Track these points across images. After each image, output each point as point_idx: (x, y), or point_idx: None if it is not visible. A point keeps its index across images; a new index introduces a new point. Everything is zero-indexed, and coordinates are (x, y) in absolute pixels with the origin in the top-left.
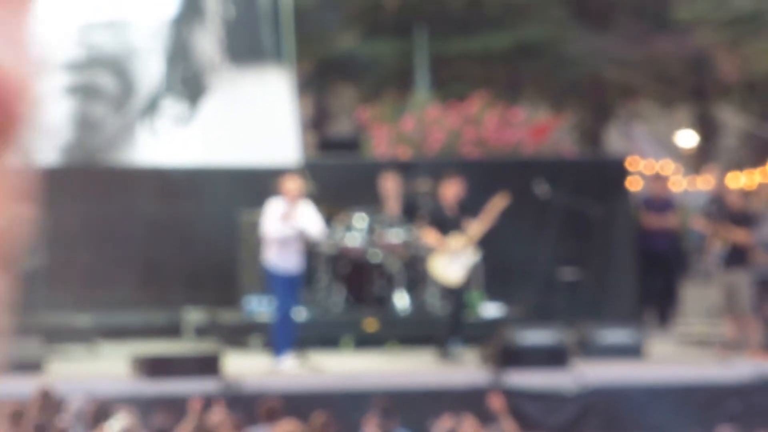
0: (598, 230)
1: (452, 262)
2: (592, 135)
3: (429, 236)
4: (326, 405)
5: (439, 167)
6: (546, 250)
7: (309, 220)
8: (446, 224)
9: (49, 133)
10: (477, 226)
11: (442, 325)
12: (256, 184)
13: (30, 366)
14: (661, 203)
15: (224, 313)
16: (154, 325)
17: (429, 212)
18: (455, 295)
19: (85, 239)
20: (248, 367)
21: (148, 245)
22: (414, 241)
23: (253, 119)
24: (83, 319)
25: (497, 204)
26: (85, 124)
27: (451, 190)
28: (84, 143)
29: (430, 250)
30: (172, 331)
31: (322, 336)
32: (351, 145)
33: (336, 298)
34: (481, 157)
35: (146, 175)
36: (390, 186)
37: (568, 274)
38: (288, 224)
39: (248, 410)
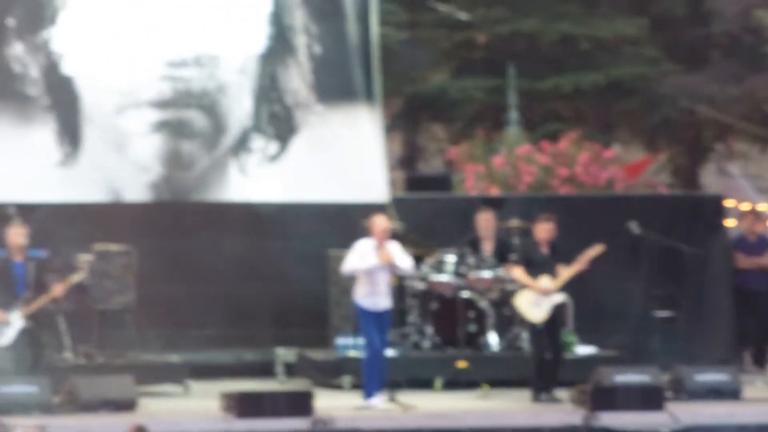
0: (692, 270)
1: (538, 301)
2: (687, 174)
3: (517, 273)
4: None
5: (529, 205)
6: (640, 289)
7: (398, 255)
8: (537, 263)
9: (140, 170)
10: (568, 271)
11: (533, 366)
12: (345, 222)
13: (122, 405)
14: (757, 242)
15: (315, 352)
16: (244, 364)
17: (520, 249)
18: (540, 335)
19: (174, 276)
20: (339, 406)
21: (237, 283)
22: (505, 278)
23: (342, 157)
24: (173, 358)
25: (591, 252)
26: (175, 161)
27: (544, 230)
28: (174, 180)
29: (518, 287)
30: (263, 370)
31: (412, 375)
32: (441, 183)
33: (426, 336)
34: (572, 194)
35: (235, 212)
36: (484, 223)
37: (662, 314)
38: (381, 259)
39: None
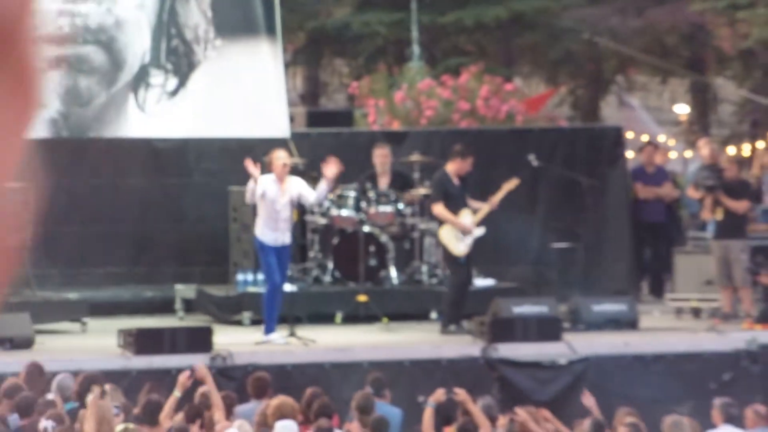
0: (591, 201)
1: (460, 235)
2: (587, 107)
3: (438, 209)
4: (316, 378)
5: (430, 139)
6: (538, 222)
7: (299, 188)
8: (453, 197)
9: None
10: (486, 205)
11: (452, 298)
12: (245, 157)
13: (18, 343)
14: (655, 173)
15: (215, 288)
16: (144, 302)
17: (438, 184)
18: (464, 268)
19: (73, 214)
20: (238, 342)
21: (137, 220)
22: (405, 213)
23: (242, 92)
24: (71, 295)
25: (508, 186)
26: (72, 97)
27: (463, 167)
28: (72, 116)
29: (436, 222)
30: (163, 307)
31: (313, 310)
32: (343, 118)
33: (327, 270)
34: (472, 127)
35: (135, 149)
36: (380, 159)
37: (561, 246)
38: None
39: (238, 384)
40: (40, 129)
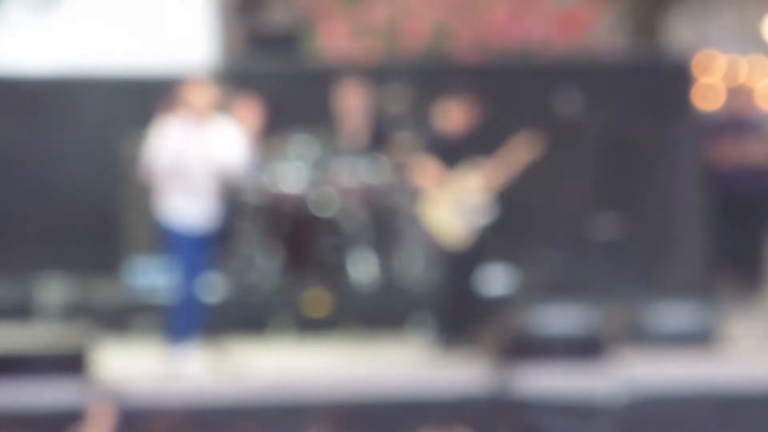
0: (651, 165)
1: (460, 211)
2: (647, 26)
3: (425, 170)
4: (250, 423)
5: (420, 77)
6: (576, 193)
7: (225, 144)
8: (448, 158)
9: None
10: (498, 169)
11: (442, 302)
12: (147, 99)
13: None
14: (744, 125)
15: (96, 283)
16: None
17: (424, 139)
18: (461, 261)
19: None
20: (132, 367)
21: None
22: (385, 180)
23: (144, 3)
24: None
25: (523, 145)
26: None
27: (460, 113)
28: None
29: (421, 192)
30: (21, 310)
31: (246, 318)
32: (290, 40)
33: (267, 266)
34: (482, 61)
35: None
36: (350, 100)
37: (608, 227)
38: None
39: (133, 428)
40: None
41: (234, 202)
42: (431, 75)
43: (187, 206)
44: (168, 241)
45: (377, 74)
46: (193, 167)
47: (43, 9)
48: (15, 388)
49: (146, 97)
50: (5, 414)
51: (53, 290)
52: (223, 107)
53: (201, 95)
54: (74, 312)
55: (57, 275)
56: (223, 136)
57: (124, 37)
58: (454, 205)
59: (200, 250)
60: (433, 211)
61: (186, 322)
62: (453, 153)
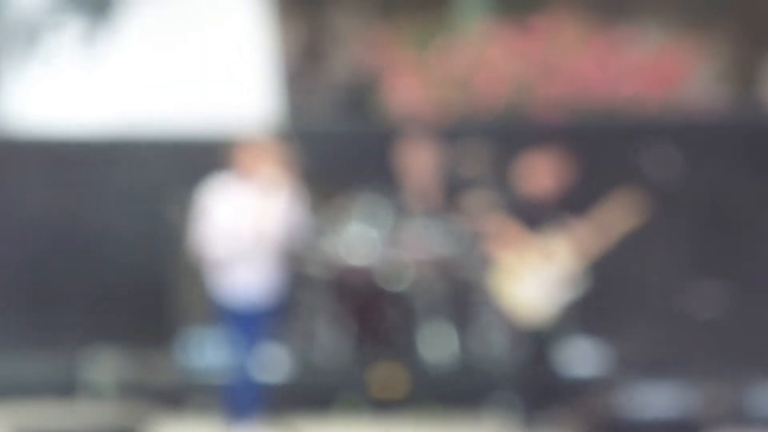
0: (756, 230)
1: (544, 282)
2: (747, 76)
3: (504, 235)
4: None
5: (499, 132)
6: (673, 262)
7: (283, 210)
8: (530, 223)
9: None
10: (592, 235)
11: (524, 382)
12: (200, 161)
13: None
14: None
15: (148, 359)
16: (38, 380)
17: (506, 196)
18: (544, 337)
19: None
20: None
21: (29, 255)
22: (461, 247)
23: (197, 54)
24: None
25: (624, 207)
26: None
27: (544, 174)
28: None
29: (498, 260)
30: (67, 386)
31: (312, 398)
32: (355, 95)
33: (334, 342)
34: (566, 118)
35: (25, 149)
36: (422, 159)
37: (708, 299)
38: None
39: None
40: None
41: (296, 273)
42: (511, 133)
43: (244, 278)
44: (224, 316)
45: (451, 131)
46: (250, 235)
47: (88, 63)
48: None
49: (199, 159)
50: None
51: (102, 366)
52: (282, 169)
53: (259, 157)
54: (124, 389)
55: (106, 350)
56: (281, 201)
57: (177, 94)
58: (537, 275)
59: (259, 325)
60: (512, 283)
61: (245, 401)
62: (535, 217)
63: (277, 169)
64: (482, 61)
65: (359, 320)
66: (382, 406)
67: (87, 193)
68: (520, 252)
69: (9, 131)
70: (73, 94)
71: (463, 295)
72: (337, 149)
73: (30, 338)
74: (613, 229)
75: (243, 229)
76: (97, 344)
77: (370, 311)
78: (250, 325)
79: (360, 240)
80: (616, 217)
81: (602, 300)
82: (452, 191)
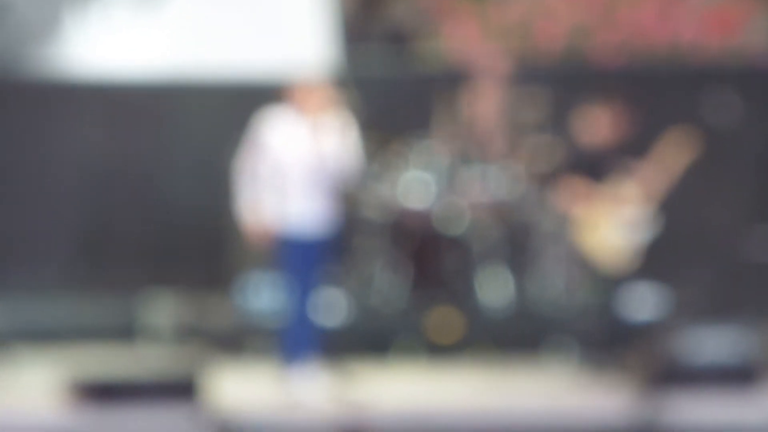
0: None
1: (620, 227)
2: None
3: (573, 189)
4: None
5: (559, 78)
6: (731, 208)
7: (338, 147)
8: (594, 171)
9: None
10: (656, 175)
11: (584, 325)
12: (257, 105)
13: None
14: None
15: (206, 303)
16: (96, 323)
17: (563, 148)
18: (609, 284)
19: None
20: (245, 394)
21: (87, 199)
22: (519, 193)
23: (255, 2)
24: None
25: (678, 144)
26: None
27: (605, 121)
28: None
29: (571, 214)
30: (126, 331)
31: (368, 342)
32: (410, 39)
33: (391, 286)
34: (626, 64)
35: (85, 93)
36: (482, 105)
37: (765, 243)
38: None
39: None
40: None
41: (353, 217)
42: (570, 79)
43: (298, 210)
44: (281, 253)
45: (511, 77)
46: (304, 167)
47: (147, 8)
48: (121, 417)
49: (257, 104)
50: None
51: (160, 310)
52: (338, 109)
53: (314, 97)
54: (182, 334)
55: (164, 294)
56: (336, 138)
57: (232, 38)
58: (612, 222)
59: (313, 260)
60: (591, 233)
61: (302, 345)
62: (599, 165)
63: (332, 108)
64: (541, 7)
65: (416, 264)
66: (439, 350)
67: (145, 138)
68: (584, 199)
69: (69, 76)
70: (131, 38)
71: (520, 240)
72: (394, 95)
73: (88, 282)
74: (673, 167)
75: (296, 160)
76: (155, 288)
77: (427, 255)
78: (304, 258)
79: (417, 185)
80: (674, 154)
81: (661, 245)
82: (512, 137)
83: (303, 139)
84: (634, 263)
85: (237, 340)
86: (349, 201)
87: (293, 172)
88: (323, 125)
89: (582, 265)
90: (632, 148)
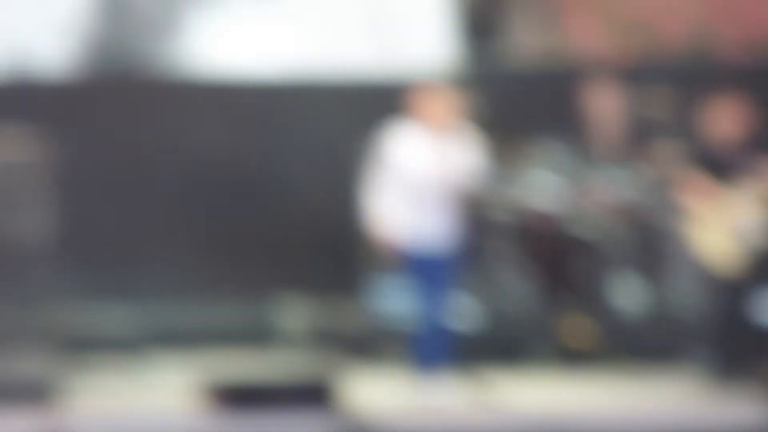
0: None
1: (734, 230)
2: None
3: (692, 184)
4: None
5: (683, 76)
6: None
7: (464, 155)
8: (718, 170)
9: (56, 29)
10: None
11: (716, 332)
12: (379, 104)
13: (31, 392)
14: None
15: (337, 306)
16: (228, 326)
17: (688, 147)
18: (737, 286)
19: (117, 191)
20: (379, 398)
21: (213, 200)
22: (646, 194)
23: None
24: (119, 317)
25: None
26: (107, 14)
27: (731, 119)
28: (105, 38)
29: (687, 210)
30: (257, 333)
31: (501, 348)
32: (532, 35)
33: (521, 291)
34: (751, 60)
35: (207, 91)
36: (605, 103)
37: None
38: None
39: None
40: (61, 57)
41: (481, 220)
42: (695, 76)
43: (425, 224)
44: (408, 264)
45: (634, 74)
46: (431, 181)
47: (269, 6)
48: (255, 420)
49: (379, 103)
50: None
51: (291, 313)
52: (462, 114)
53: (439, 102)
54: (314, 337)
55: (295, 296)
56: (460, 145)
57: (355, 37)
58: (727, 223)
59: (441, 271)
60: (703, 231)
61: (435, 350)
62: (723, 164)
63: (456, 114)
64: (663, 3)
65: (547, 268)
66: (573, 356)
67: (271, 137)
68: (709, 200)
69: (190, 74)
70: (252, 37)
71: (652, 243)
72: (519, 93)
73: (220, 286)
74: None
75: (422, 173)
76: (286, 291)
77: (558, 259)
78: (433, 271)
79: (545, 186)
80: None
81: None
82: (636, 136)
83: (428, 150)
84: (747, 268)
85: (369, 344)
86: (476, 203)
87: (419, 183)
88: (448, 134)
89: (702, 268)
90: (757, 148)
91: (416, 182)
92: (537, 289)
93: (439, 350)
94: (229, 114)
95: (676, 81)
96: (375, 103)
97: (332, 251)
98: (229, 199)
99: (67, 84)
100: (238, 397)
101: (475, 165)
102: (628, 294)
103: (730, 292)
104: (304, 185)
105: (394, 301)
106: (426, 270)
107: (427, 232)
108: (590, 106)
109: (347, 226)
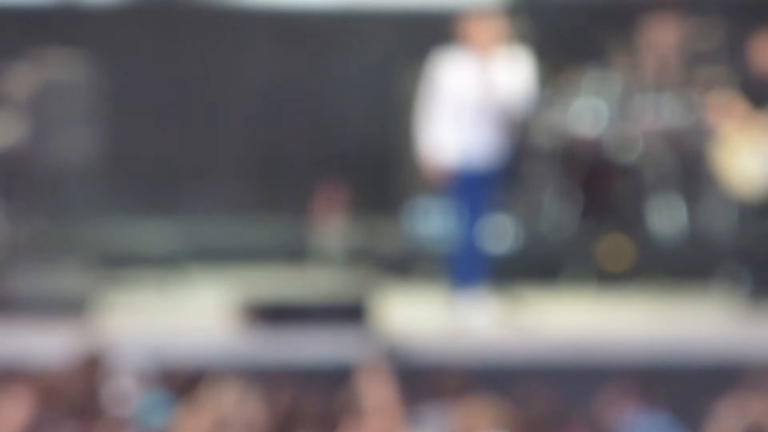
0: None
1: (762, 156)
2: None
3: (730, 110)
4: (540, 383)
5: (735, 8)
6: None
7: (510, 80)
8: (759, 99)
9: None
10: None
11: (753, 255)
12: (429, 33)
13: (71, 307)
14: None
15: (376, 227)
16: (267, 244)
17: (737, 78)
18: (762, 213)
19: (161, 113)
20: (414, 319)
21: (258, 123)
22: (693, 121)
23: None
24: (158, 234)
25: None
26: None
27: None
28: None
29: (721, 134)
30: (294, 252)
31: (538, 269)
32: None
33: (561, 213)
34: None
35: (255, 18)
36: (658, 34)
37: None
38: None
39: (414, 386)
40: None
41: (524, 144)
42: (746, 8)
43: (472, 145)
44: (450, 183)
45: (687, 6)
46: (478, 104)
47: None
48: (291, 338)
49: (429, 32)
50: (278, 366)
51: (330, 233)
52: (510, 41)
53: (488, 29)
54: (352, 257)
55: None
56: (508, 71)
57: None
58: (757, 150)
59: (483, 191)
60: (736, 156)
61: (471, 271)
62: (763, 94)
63: (505, 41)
64: None
65: (586, 191)
66: (609, 277)
67: (317, 65)
68: (745, 126)
69: (242, 1)
70: None
71: (692, 168)
72: (566, 22)
73: (260, 205)
74: None
75: (468, 96)
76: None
77: (598, 182)
78: (476, 191)
79: (589, 112)
80: None
81: None
82: (686, 66)
83: (475, 74)
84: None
85: (406, 265)
86: (520, 128)
87: (465, 106)
88: (495, 59)
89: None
90: None
91: (464, 105)
92: (576, 212)
93: (475, 271)
94: (278, 39)
95: (729, 13)
96: (425, 30)
97: (372, 174)
98: (273, 121)
99: (115, 8)
100: (274, 314)
101: (521, 90)
102: (665, 217)
103: (759, 216)
104: (351, 110)
105: (433, 224)
106: (470, 189)
107: (473, 151)
108: (643, 37)
109: (388, 151)
